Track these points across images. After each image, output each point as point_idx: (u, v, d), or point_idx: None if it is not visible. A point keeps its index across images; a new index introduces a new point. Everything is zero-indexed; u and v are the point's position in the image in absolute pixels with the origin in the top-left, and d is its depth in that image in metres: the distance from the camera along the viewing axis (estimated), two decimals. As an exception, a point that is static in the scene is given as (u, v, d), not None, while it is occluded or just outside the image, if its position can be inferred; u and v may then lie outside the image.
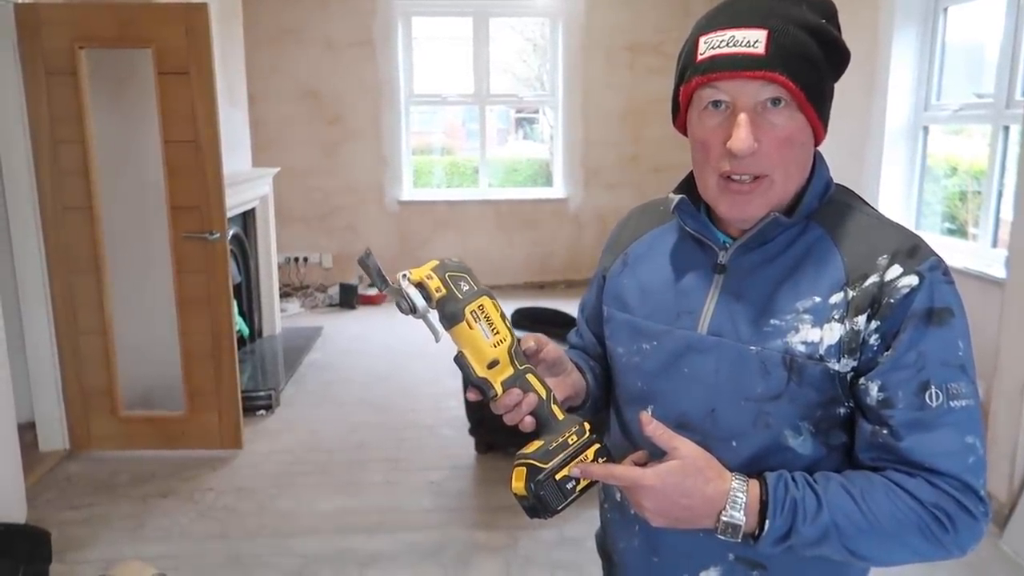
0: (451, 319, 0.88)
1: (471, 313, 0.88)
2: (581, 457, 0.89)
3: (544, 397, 0.91)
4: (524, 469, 0.88)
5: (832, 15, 0.91)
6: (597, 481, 0.90)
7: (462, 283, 0.89)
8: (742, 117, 0.86)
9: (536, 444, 0.89)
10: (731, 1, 0.90)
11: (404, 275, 0.88)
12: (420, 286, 0.88)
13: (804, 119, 0.88)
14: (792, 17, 0.87)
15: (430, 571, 2.59)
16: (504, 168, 7.34)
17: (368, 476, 3.26)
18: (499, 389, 0.89)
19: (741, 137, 0.85)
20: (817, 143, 0.93)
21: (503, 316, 0.90)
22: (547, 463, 0.87)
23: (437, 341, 0.92)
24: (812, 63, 0.87)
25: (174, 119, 3.20)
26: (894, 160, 4.06)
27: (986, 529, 0.88)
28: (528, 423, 0.91)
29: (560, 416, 0.91)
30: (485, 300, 0.89)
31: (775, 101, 0.86)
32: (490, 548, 2.71)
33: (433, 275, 0.88)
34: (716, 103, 0.88)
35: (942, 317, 0.86)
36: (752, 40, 0.85)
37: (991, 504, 2.88)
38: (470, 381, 0.89)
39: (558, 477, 0.88)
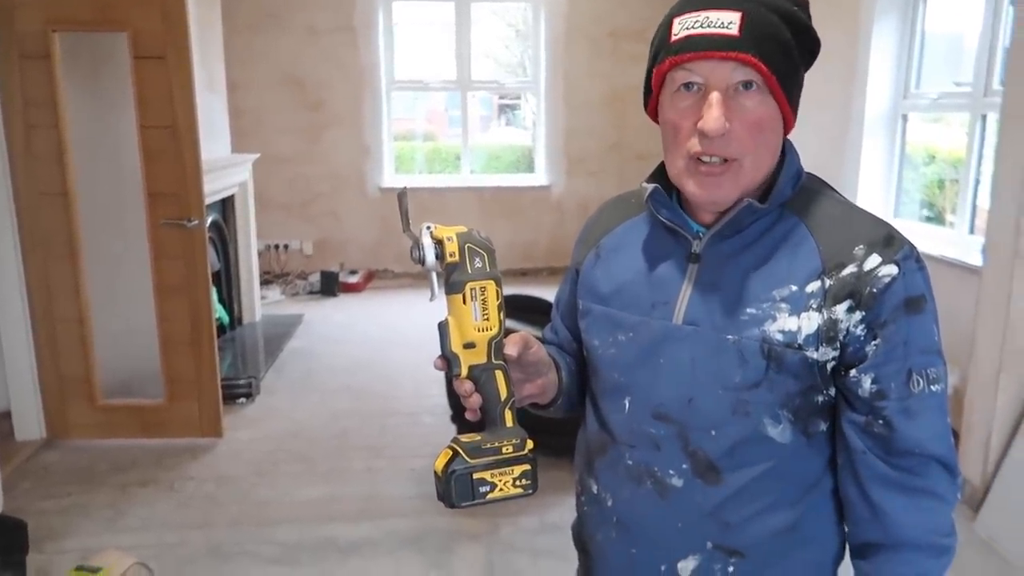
0: (451, 287, 0.88)
1: (471, 290, 0.88)
2: (505, 471, 0.89)
3: (502, 399, 0.90)
4: (451, 453, 0.89)
5: (804, 3, 0.91)
6: (513, 497, 0.90)
7: (477, 259, 0.89)
8: (715, 96, 0.85)
9: (475, 437, 0.90)
10: None
11: (428, 227, 0.89)
12: (439, 243, 0.88)
13: (775, 104, 0.88)
14: (766, 1, 0.86)
15: (412, 558, 2.60)
16: (486, 155, 7.32)
17: (350, 464, 3.25)
18: (464, 371, 0.89)
19: (714, 116, 0.85)
20: (787, 131, 0.93)
21: (500, 307, 0.89)
22: (472, 460, 0.88)
23: (431, 299, 0.93)
24: (784, 48, 0.87)
25: (151, 104, 3.15)
26: (873, 148, 4.09)
27: (960, 496, 0.93)
28: (475, 415, 0.91)
29: (509, 423, 0.90)
30: (490, 285, 0.89)
31: (747, 84, 0.86)
32: (472, 535, 2.71)
33: (455, 239, 0.88)
34: (688, 84, 0.88)
35: (918, 304, 0.88)
36: (726, 21, 0.84)
37: (966, 489, 2.93)
38: (443, 351, 0.90)
39: (475, 477, 0.88)
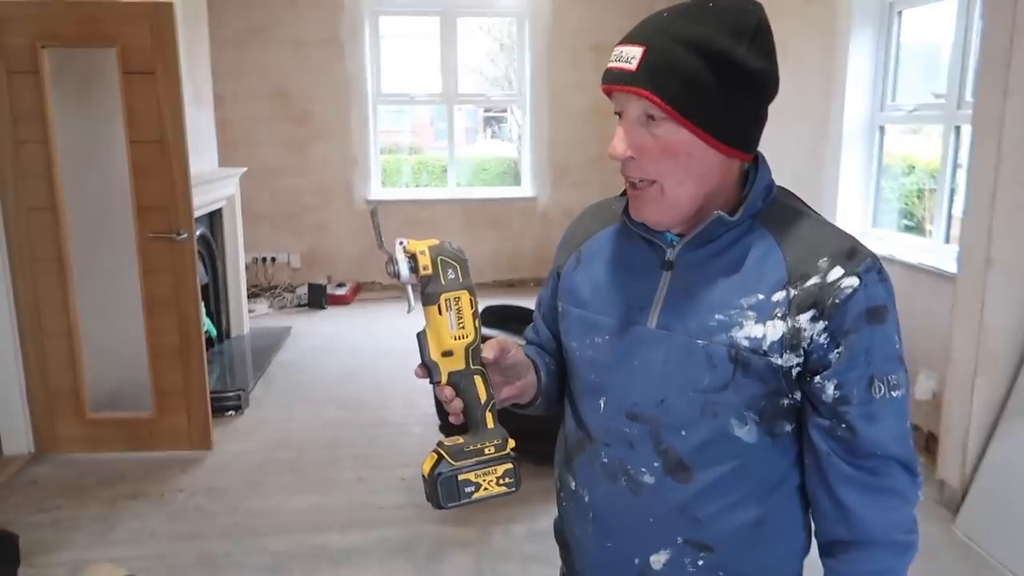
0: (426, 299, 0.92)
1: (445, 301, 0.91)
2: (489, 471, 0.93)
3: (483, 402, 0.94)
4: (436, 457, 0.92)
5: (742, 31, 0.90)
6: (498, 495, 0.94)
7: (450, 271, 0.92)
8: (619, 126, 0.94)
9: (458, 440, 0.93)
10: (645, 18, 0.95)
11: (401, 242, 0.93)
12: (412, 257, 0.92)
13: (687, 131, 0.90)
14: (675, 34, 0.89)
15: (402, 567, 2.62)
16: (473, 167, 7.38)
17: (339, 474, 3.27)
18: (444, 378, 0.93)
19: (613, 144, 0.93)
20: (727, 153, 0.93)
21: (475, 315, 0.93)
22: (456, 462, 0.91)
23: (408, 311, 0.96)
24: (686, 78, 0.88)
25: (140, 119, 3.18)
26: (852, 159, 4.16)
27: (921, 496, 0.98)
28: (458, 418, 0.94)
29: (491, 425, 0.94)
30: (463, 295, 0.92)
31: (652, 114, 0.91)
32: (462, 543, 2.74)
33: (427, 252, 0.92)
34: (618, 112, 0.95)
35: (880, 314, 0.93)
36: (629, 56, 0.90)
37: (945, 491, 2.98)
38: (423, 360, 0.93)
39: (460, 478, 0.91)
